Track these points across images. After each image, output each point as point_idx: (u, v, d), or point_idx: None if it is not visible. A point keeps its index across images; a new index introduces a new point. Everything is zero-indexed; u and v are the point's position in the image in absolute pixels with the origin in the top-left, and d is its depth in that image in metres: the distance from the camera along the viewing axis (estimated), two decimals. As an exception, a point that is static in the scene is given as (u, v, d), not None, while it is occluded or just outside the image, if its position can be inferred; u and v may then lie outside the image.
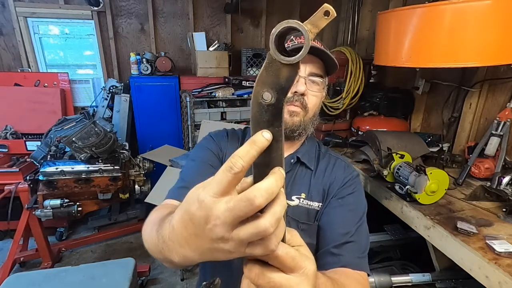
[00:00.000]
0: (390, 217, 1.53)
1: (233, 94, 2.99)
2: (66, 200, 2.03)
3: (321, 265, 0.78)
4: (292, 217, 0.83)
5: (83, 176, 2.05)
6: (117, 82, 3.05)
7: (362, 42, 3.00)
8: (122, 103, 3.00)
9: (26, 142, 2.62)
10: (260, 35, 3.55)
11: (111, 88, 2.99)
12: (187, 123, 2.94)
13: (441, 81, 2.02)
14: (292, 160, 0.88)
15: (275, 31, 0.31)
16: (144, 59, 2.91)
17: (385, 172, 1.52)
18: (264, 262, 0.37)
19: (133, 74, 2.97)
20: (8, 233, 2.65)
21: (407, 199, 1.38)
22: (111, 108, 3.09)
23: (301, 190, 0.86)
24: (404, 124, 2.24)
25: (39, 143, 2.38)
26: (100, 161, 2.09)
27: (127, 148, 2.36)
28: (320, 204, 0.85)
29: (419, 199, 1.31)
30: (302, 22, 0.31)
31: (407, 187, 1.35)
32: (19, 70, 3.00)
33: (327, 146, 2.14)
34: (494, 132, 1.52)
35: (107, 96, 3.02)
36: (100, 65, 3.25)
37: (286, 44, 0.81)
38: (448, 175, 1.35)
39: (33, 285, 1.55)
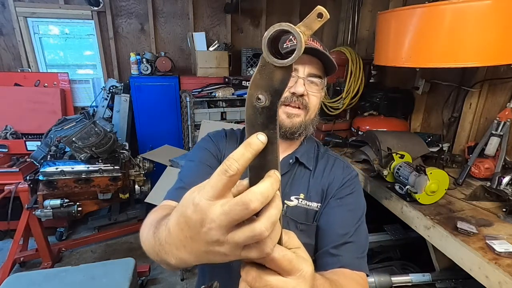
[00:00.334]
0: (390, 217, 1.53)
1: (233, 94, 2.99)
2: (66, 200, 2.03)
3: (320, 266, 0.78)
4: (291, 218, 0.83)
5: (83, 176, 2.05)
6: (117, 82, 3.05)
7: (362, 42, 3.00)
8: (122, 103, 3.00)
9: (26, 142, 2.62)
10: (260, 35, 3.55)
11: (111, 88, 2.99)
12: (187, 123, 2.94)
13: (441, 81, 2.02)
14: (290, 160, 0.88)
15: (267, 34, 0.31)
16: (144, 59, 2.91)
17: (385, 172, 1.52)
18: (261, 265, 0.37)
19: (133, 74, 2.97)
20: (8, 233, 2.65)
21: (407, 199, 1.38)
22: (111, 108, 3.09)
23: (300, 190, 0.85)
24: (404, 124, 2.24)
25: (39, 143, 2.38)
26: (100, 161, 2.09)
27: (127, 148, 2.36)
28: (319, 204, 0.85)
29: (419, 199, 1.31)
30: (303, 19, 0.31)
31: (407, 187, 1.35)
32: (19, 70, 3.00)
33: (327, 146, 2.14)
34: (494, 132, 1.52)
35: (107, 96, 3.02)
36: (100, 65, 3.25)
37: (285, 44, 0.82)
38: (448, 175, 1.35)
39: (33, 285, 1.55)
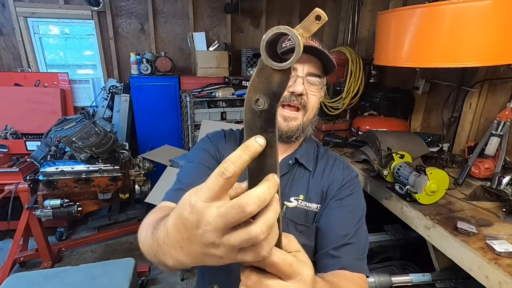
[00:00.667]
0: (390, 217, 1.53)
1: (233, 94, 2.99)
2: (66, 200, 2.03)
3: (320, 267, 0.78)
4: (290, 219, 0.82)
5: (83, 176, 2.05)
6: (117, 82, 3.05)
7: (362, 42, 3.00)
8: (122, 103, 3.00)
9: (26, 142, 2.62)
10: (260, 35, 3.55)
11: (111, 88, 2.99)
12: (187, 123, 2.94)
13: (441, 81, 2.02)
14: (290, 161, 0.87)
15: (265, 37, 0.31)
16: (144, 59, 2.91)
17: (385, 172, 1.52)
18: (261, 269, 0.37)
19: (133, 74, 2.97)
20: (8, 233, 2.65)
21: (407, 199, 1.38)
22: (111, 108, 3.09)
23: (299, 191, 0.85)
24: (404, 124, 2.24)
25: (39, 143, 2.38)
26: (100, 161, 2.09)
27: (127, 148, 2.36)
28: (319, 205, 0.84)
29: (419, 199, 1.31)
30: (302, 21, 0.31)
31: (407, 187, 1.35)
32: (19, 70, 3.00)
33: (327, 146, 2.14)
34: (494, 132, 1.52)
35: (107, 96, 3.02)
36: (100, 65, 3.25)
37: (284, 44, 0.82)
38: (448, 175, 1.35)
39: (33, 285, 1.55)
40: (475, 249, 1.03)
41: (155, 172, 2.51)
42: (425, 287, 1.41)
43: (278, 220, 0.37)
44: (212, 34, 3.41)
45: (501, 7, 1.25)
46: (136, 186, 2.39)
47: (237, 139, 0.95)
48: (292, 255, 0.38)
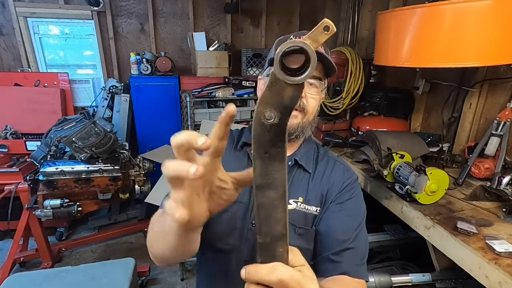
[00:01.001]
0: (390, 217, 1.53)
1: (233, 94, 2.99)
2: (66, 200, 2.03)
3: (320, 272, 0.77)
4: (290, 221, 0.81)
5: (83, 176, 2.05)
6: (117, 82, 3.05)
7: (362, 42, 3.00)
8: (122, 103, 3.00)
9: (26, 142, 2.62)
10: (260, 35, 3.55)
11: (111, 88, 2.99)
12: (187, 123, 2.94)
13: (441, 81, 2.02)
14: (289, 163, 0.86)
15: (280, 50, 0.30)
16: (144, 59, 2.91)
17: (385, 172, 1.53)
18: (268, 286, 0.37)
19: (133, 74, 2.97)
20: (8, 233, 2.65)
21: (407, 199, 1.38)
22: (111, 108, 3.08)
23: (299, 193, 0.84)
24: (404, 124, 2.24)
25: (39, 143, 2.38)
26: (100, 161, 2.09)
27: (127, 148, 2.36)
28: (318, 208, 0.83)
29: (419, 199, 1.31)
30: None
31: (407, 187, 1.35)
32: (19, 70, 2.99)
33: (327, 146, 2.14)
34: (494, 132, 1.52)
35: (107, 96, 3.02)
36: (100, 65, 3.25)
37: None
38: (448, 175, 1.35)
39: (33, 285, 1.55)
40: (475, 249, 1.03)
41: (155, 172, 2.51)
42: (425, 287, 1.41)
43: (285, 233, 0.37)
44: (212, 34, 3.41)
45: (501, 7, 1.25)
46: (136, 186, 2.39)
47: (235, 138, 0.93)
48: (298, 270, 0.38)
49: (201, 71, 3.05)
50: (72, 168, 2.03)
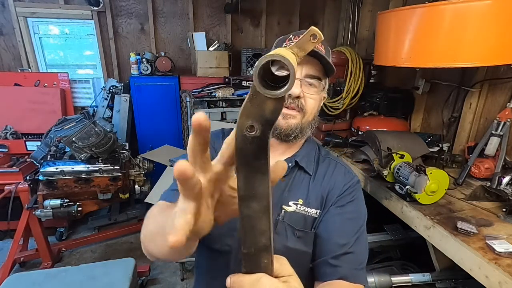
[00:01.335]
0: (390, 217, 1.53)
1: (233, 94, 2.99)
2: (66, 200, 2.03)
3: (318, 275, 0.77)
4: (289, 224, 0.80)
5: (83, 176, 2.05)
6: (117, 82, 3.05)
7: (362, 42, 3.00)
8: (122, 103, 3.00)
9: (26, 142, 2.62)
10: (260, 35, 3.55)
11: (111, 88, 2.99)
12: (187, 123, 2.94)
13: (441, 81, 2.02)
14: (290, 164, 0.85)
15: (258, 63, 0.29)
16: (144, 59, 2.91)
17: (385, 172, 1.52)
18: None
19: (133, 74, 2.97)
20: (8, 233, 2.65)
21: (407, 199, 1.38)
22: (111, 108, 3.09)
23: (299, 195, 0.82)
24: (404, 124, 2.24)
25: (39, 143, 2.38)
26: (100, 161, 2.09)
27: (127, 148, 2.36)
28: (318, 211, 0.82)
29: (419, 199, 1.31)
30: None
31: (407, 187, 1.35)
32: (19, 70, 2.99)
33: (327, 146, 2.14)
34: (494, 132, 1.52)
35: (107, 96, 3.02)
36: (100, 65, 3.25)
37: (284, 44, 0.81)
38: (448, 175, 1.35)
39: (33, 285, 1.55)
40: (475, 249, 1.03)
41: (155, 172, 2.51)
42: (425, 287, 1.41)
43: (269, 245, 0.37)
44: (212, 34, 3.41)
45: (501, 7, 1.25)
46: (136, 186, 2.39)
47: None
48: (284, 280, 0.38)
49: (201, 71, 3.05)
50: (72, 168, 2.03)
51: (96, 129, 2.07)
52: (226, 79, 3.10)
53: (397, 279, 1.41)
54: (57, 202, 2.00)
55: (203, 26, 3.38)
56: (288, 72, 0.29)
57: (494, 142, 1.52)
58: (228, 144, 0.34)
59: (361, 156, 1.84)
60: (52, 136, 2.25)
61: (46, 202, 2.00)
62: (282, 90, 0.29)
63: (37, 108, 2.89)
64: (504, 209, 1.26)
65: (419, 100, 2.25)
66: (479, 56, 1.33)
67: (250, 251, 0.38)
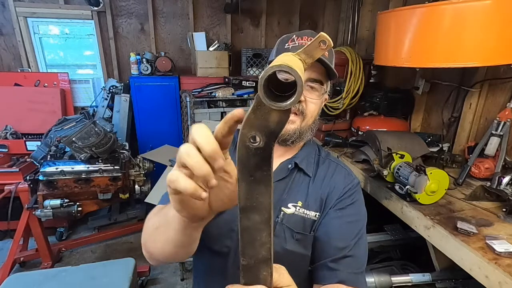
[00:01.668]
0: (390, 217, 1.53)
1: (233, 94, 2.99)
2: (66, 200, 2.03)
3: (317, 278, 0.76)
4: (287, 226, 0.79)
5: (83, 176, 2.05)
6: (117, 82, 3.05)
7: (362, 42, 3.00)
8: (122, 103, 3.00)
9: (26, 142, 2.62)
10: (260, 35, 3.55)
11: (111, 88, 2.99)
12: (187, 123, 2.94)
13: (441, 81, 2.02)
14: (289, 166, 0.84)
15: (264, 74, 0.28)
16: (144, 59, 2.91)
17: (385, 172, 1.52)
18: None
19: (133, 74, 2.97)
20: (8, 233, 2.65)
21: (407, 199, 1.38)
22: (111, 108, 3.09)
23: (298, 197, 0.81)
24: (404, 124, 2.24)
25: (39, 143, 2.38)
26: (100, 161, 2.09)
27: (127, 148, 2.36)
28: (317, 213, 0.81)
29: (419, 199, 1.31)
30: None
31: (407, 187, 1.35)
32: (19, 70, 3.00)
33: (327, 146, 2.14)
34: (494, 132, 1.52)
35: (107, 96, 3.02)
36: (100, 65, 3.25)
37: (286, 44, 0.81)
38: (448, 175, 1.35)
39: (33, 285, 1.55)
40: (475, 249, 1.03)
41: (155, 172, 2.51)
42: (425, 287, 1.41)
43: (269, 258, 0.37)
44: (212, 34, 3.41)
45: (501, 7, 1.25)
46: (136, 186, 2.39)
47: (236, 139, 0.93)
48: None
49: (201, 71, 3.05)
50: (72, 168, 2.03)
51: (96, 129, 2.07)
52: (226, 79, 3.10)
53: (397, 279, 1.41)
54: (57, 202, 2.00)
55: (203, 26, 3.38)
56: (294, 79, 0.28)
57: (494, 142, 1.52)
58: (225, 121, 0.34)
59: (361, 156, 1.84)
60: (52, 136, 2.25)
61: (46, 202, 2.00)
62: (288, 102, 0.28)
63: (37, 108, 2.89)
64: (504, 209, 1.26)
65: (419, 100, 2.25)
66: (479, 56, 1.33)
67: (249, 262, 0.37)
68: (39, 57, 3.12)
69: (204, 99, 2.97)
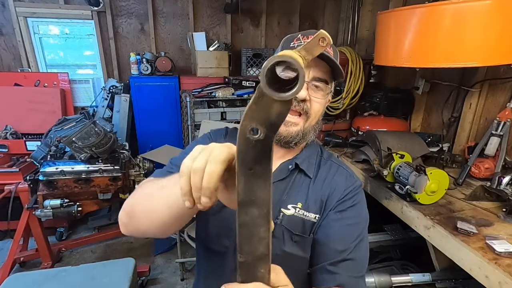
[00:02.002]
0: (390, 217, 1.53)
1: (233, 94, 2.99)
2: (66, 200, 2.03)
3: (316, 282, 0.75)
4: (286, 227, 0.78)
5: (83, 176, 2.05)
6: (117, 82, 3.05)
7: (362, 42, 3.00)
8: (122, 103, 3.00)
9: (26, 142, 2.62)
10: (260, 35, 3.55)
11: (111, 88, 2.99)
12: (187, 123, 2.94)
13: (441, 81, 2.02)
14: (290, 166, 0.83)
15: (267, 64, 0.28)
16: (144, 59, 2.91)
17: (385, 172, 1.52)
18: None
19: (133, 74, 2.97)
20: (8, 233, 2.65)
21: (407, 199, 1.38)
22: (111, 108, 3.09)
23: (298, 199, 0.80)
24: (404, 124, 2.24)
25: (39, 143, 2.38)
26: (100, 161, 2.09)
27: (127, 148, 2.36)
28: (317, 215, 0.79)
29: (419, 199, 1.31)
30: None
31: (407, 187, 1.35)
32: (19, 70, 3.00)
33: (327, 146, 2.14)
34: (494, 132, 1.52)
35: (107, 96, 3.02)
36: (100, 65, 3.25)
37: (292, 43, 0.80)
38: (448, 175, 1.35)
39: (33, 285, 1.55)
40: (475, 249, 1.03)
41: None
42: (425, 287, 1.41)
43: (268, 254, 0.36)
44: (212, 34, 3.41)
45: (501, 7, 1.25)
46: (136, 186, 2.38)
47: (224, 134, 0.92)
48: None
49: (201, 71, 3.05)
50: (72, 168, 2.03)
51: (96, 129, 2.07)
52: (226, 79, 3.10)
53: (397, 279, 1.41)
54: (57, 202, 2.00)
55: (203, 26, 3.38)
56: (295, 74, 0.28)
57: (494, 142, 1.52)
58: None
59: (361, 156, 1.84)
60: (52, 136, 2.25)
61: (46, 202, 1.99)
62: (291, 92, 0.28)
63: (37, 108, 2.89)
64: (504, 209, 1.26)
65: (419, 100, 2.25)
66: (479, 56, 1.33)
67: (247, 259, 0.36)
68: (39, 57, 3.12)
69: (204, 99, 2.97)
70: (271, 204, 0.34)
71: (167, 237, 2.73)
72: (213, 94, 2.95)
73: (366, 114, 2.32)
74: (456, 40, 1.33)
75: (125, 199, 0.66)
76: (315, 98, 0.77)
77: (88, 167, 2.06)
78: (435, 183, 1.29)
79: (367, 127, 2.18)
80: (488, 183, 1.42)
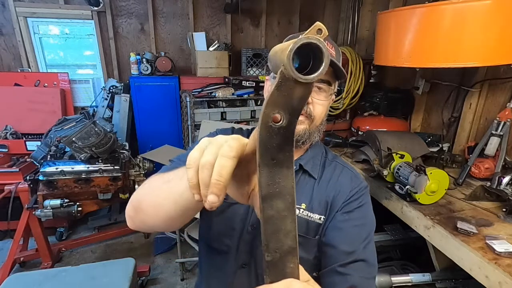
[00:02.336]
0: (390, 217, 1.53)
1: (233, 94, 2.99)
2: (66, 200, 2.03)
3: (327, 285, 0.74)
4: None
5: (83, 176, 2.05)
6: (117, 82, 3.05)
7: (362, 42, 3.00)
8: (122, 103, 3.00)
9: (26, 142, 2.62)
10: (260, 35, 3.55)
11: (111, 88, 2.99)
12: (187, 123, 2.94)
13: (441, 81, 2.02)
14: (294, 167, 0.83)
15: (294, 46, 0.28)
16: (144, 59, 2.91)
17: (385, 172, 1.52)
18: None
19: (133, 74, 2.97)
20: (8, 233, 2.65)
21: (407, 199, 1.38)
22: (111, 108, 3.09)
23: (302, 200, 0.79)
24: (404, 124, 2.24)
25: (39, 143, 2.38)
26: (100, 161, 2.09)
27: (127, 148, 2.36)
28: (322, 217, 0.78)
29: (419, 199, 1.31)
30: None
31: (407, 187, 1.35)
32: (19, 70, 2.99)
33: (327, 146, 2.14)
34: (494, 132, 1.52)
35: (107, 96, 3.02)
36: (100, 65, 3.25)
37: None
38: (448, 175, 1.35)
39: (33, 285, 1.55)
40: (475, 249, 1.03)
41: (155, 172, 2.49)
42: (425, 287, 1.41)
43: (295, 247, 0.35)
44: (212, 34, 3.41)
45: (501, 7, 1.25)
46: (136, 186, 2.38)
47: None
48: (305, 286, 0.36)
49: (201, 71, 3.05)
50: (72, 168, 2.03)
51: (96, 129, 2.07)
52: (226, 79, 3.10)
53: (397, 279, 1.41)
54: (57, 202, 2.00)
55: (203, 26, 3.38)
56: (307, 63, 0.28)
57: (494, 142, 1.52)
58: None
59: (361, 156, 1.84)
60: (52, 136, 2.25)
61: (46, 202, 1.99)
62: (316, 74, 0.28)
63: (37, 108, 2.89)
64: (504, 209, 1.27)
65: (419, 100, 2.25)
66: (479, 56, 1.33)
67: (275, 256, 0.35)
68: (39, 57, 3.12)
69: (204, 99, 2.97)
70: (294, 193, 0.33)
71: (167, 237, 2.73)
72: (213, 94, 2.95)
73: (366, 114, 2.33)
74: (456, 40, 1.33)
75: (125, 199, 0.66)
76: (318, 100, 0.77)
77: (88, 167, 2.06)
78: (435, 183, 1.29)
79: (367, 127, 2.18)
80: (488, 183, 1.42)
